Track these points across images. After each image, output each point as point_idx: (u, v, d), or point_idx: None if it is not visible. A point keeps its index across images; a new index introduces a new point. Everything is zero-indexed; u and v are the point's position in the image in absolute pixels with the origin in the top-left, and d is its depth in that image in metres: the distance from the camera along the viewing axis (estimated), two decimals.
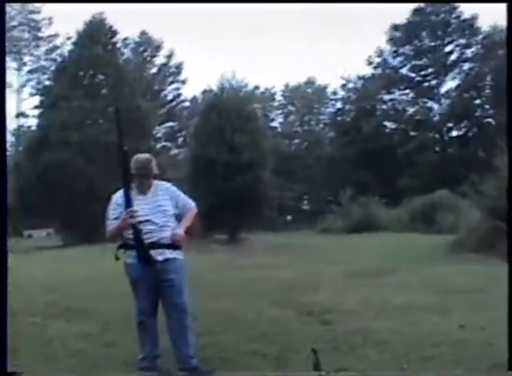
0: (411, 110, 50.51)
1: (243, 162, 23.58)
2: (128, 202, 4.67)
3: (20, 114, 56.10)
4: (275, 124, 60.24)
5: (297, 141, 59.58)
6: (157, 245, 4.72)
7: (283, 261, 16.19)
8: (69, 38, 43.40)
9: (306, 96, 60.07)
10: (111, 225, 4.87)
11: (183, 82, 58.98)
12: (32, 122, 50.38)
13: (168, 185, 5.08)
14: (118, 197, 4.89)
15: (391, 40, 50.48)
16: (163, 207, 4.85)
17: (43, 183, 28.79)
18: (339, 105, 57.63)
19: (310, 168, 52.48)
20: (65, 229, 32.98)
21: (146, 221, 4.72)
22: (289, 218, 52.34)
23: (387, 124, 52.26)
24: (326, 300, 8.75)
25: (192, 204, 5.05)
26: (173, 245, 4.80)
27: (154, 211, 4.78)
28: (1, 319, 3.20)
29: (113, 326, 6.82)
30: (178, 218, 4.97)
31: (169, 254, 4.77)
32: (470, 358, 4.34)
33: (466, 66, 48.19)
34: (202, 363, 4.92)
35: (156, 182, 5.04)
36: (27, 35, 55.82)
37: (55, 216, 32.92)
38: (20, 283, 10.85)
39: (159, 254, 4.72)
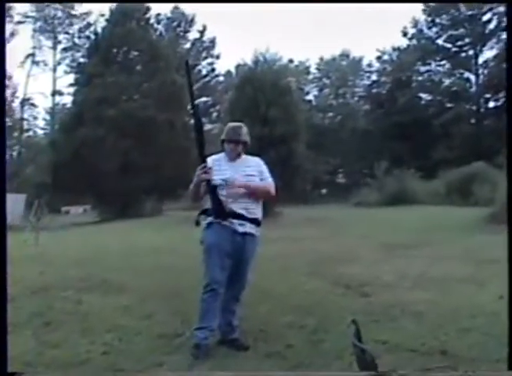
0: (447, 82, 49.88)
1: (276, 135, 23.59)
2: (202, 157, 4.62)
3: (56, 92, 56.62)
4: (309, 97, 59.87)
5: (331, 114, 59.20)
6: (241, 216, 4.72)
7: (318, 234, 16.21)
8: (102, 15, 43.65)
9: (341, 69, 59.52)
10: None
11: (217, 57, 59.01)
12: (67, 100, 51.01)
13: (258, 159, 5.06)
14: (209, 160, 4.81)
15: (426, 10, 49.59)
16: (250, 176, 4.83)
17: (78, 160, 29.14)
18: (374, 77, 57.18)
19: (344, 141, 52.20)
20: (100, 204, 33.43)
21: (228, 186, 4.70)
22: (323, 191, 52.26)
23: (423, 95, 51.65)
24: (362, 272, 8.76)
25: (271, 181, 4.97)
26: (254, 220, 4.81)
27: (242, 178, 4.76)
28: (1, 319, 3.24)
29: (149, 299, 6.90)
30: None
31: (249, 228, 4.77)
32: (505, 331, 4.30)
33: (504, 35, 47.13)
34: (241, 334, 4.98)
35: (246, 156, 5.03)
36: (60, 13, 56.12)
37: (91, 192, 33.37)
38: (54, 259, 11.11)
39: (240, 225, 4.72)
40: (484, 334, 5.04)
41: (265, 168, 5.00)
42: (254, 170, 4.89)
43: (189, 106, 44.40)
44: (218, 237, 4.69)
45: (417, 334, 5.11)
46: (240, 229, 4.72)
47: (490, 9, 47.04)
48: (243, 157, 4.99)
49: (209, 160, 4.83)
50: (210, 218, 4.76)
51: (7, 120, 55.83)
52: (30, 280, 8.17)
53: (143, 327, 5.54)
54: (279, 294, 7.11)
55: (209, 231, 4.77)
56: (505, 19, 43.71)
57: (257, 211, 4.86)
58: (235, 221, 4.69)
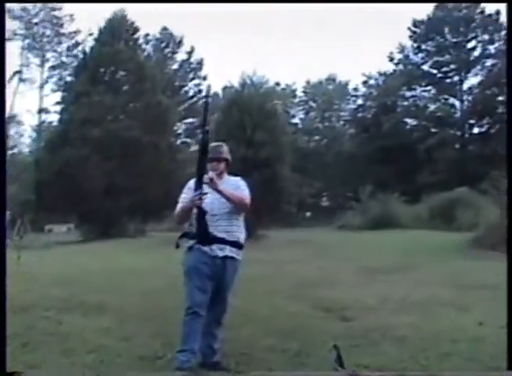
0: (432, 107, 50.34)
1: (261, 158, 23.67)
2: (200, 183, 4.60)
3: (42, 110, 56.52)
4: (295, 120, 60.24)
5: (317, 137, 59.50)
6: (221, 240, 4.72)
7: (301, 256, 16.23)
8: (90, 34, 43.82)
9: (327, 93, 59.98)
10: (179, 207, 4.84)
11: (204, 78, 59.03)
12: (54, 118, 50.87)
13: (238, 178, 5.06)
14: (192, 182, 4.82)
15: (413, 36, 50.19)
16: None
17: (63, 179, 29.01)
18: (360, 101, 57.72)
19: (329, 165, 52.44)
20: (84, 224, 33.27)
21: (212, 208, 4.70)
22: (308, 214, 52.33)
23: (408, 120, 52.16)
24: (344, 296, 8.76)
25: (246, 194, 4.92)
26: (235, 243, 4.81)
27: (221, 200, 4.73)
28: (1, 319, 3.22)
29: (130, 320, 6.86)
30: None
31: (230, 252, 4.77)
32: (488, 356, 4.32)
33: (488, 62, 47.80)
34: (223, 358, 4.97)
35: (229, 176, 5.04)
36: (49, 32, 56.22)
37: (74, 211, 33.21)
38: (35, 278, 11.03)
39: (219, 250, 4.72)
40: (467, 359, 5.05)
41: (242, 184, 4.98)
42: (232, 188, 4.86)
43: (175, 127, 44.60)
44: (199, 261, 4.69)
45: (398, 358, 5.13)
46: (220, 254, 4.72)
47: (475, 37, 47.79)
48: (226, 177, 4.99)
49: (191, 182, 4.85)
50: (191, 242, 4.76)
51: None
52: (11, 299, 8.09)
53: (124, 348, 5.51)
54: (261, 317, 7.10)
55: (190, 254, 4.77)
56: (490, 46, 44.51)
57: (238, 233, 4.86)
58: (215, 246, 4.69)
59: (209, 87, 4.64)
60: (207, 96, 4.97)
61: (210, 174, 4.68)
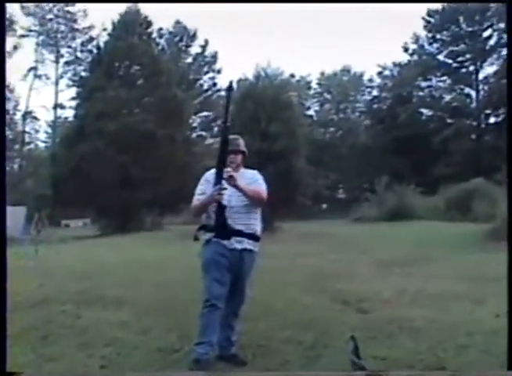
0: (448, 97, 50.01)
1: (276, 150, 23.62)
2: (220, 178, 4.59)
3: (57, 106, 56.76)
4: (310, 112, 60.09)
5: (332, 129, 59.34)
6: (239, 233, 4.73)
7: (317, 249, 16.19)
8: (104, 29, 43.91)
9: (342, 84, 59.77)
10: (197, 200, 4.84)
11: (218, 72, 59.09)
12: (69, 113, 51.09)
13: (255, 172, 5.08)
14: (209, 174, 4.87)
15: (428, 26, 49.81)
16: None
17: (79, 173, 29.14)
18: (375, 92, 57.46)
19: (345, 157, 52.30)
20: (100, 218, 33.42)
21: (228, 200, 4.69)
22: (324, 206, 52.22)
23: (424, 111, 51.82)
24: (360, 288, 8.75)
25: (263, 188, 4.94)
26: (252, 236, 4.82)
27: (239, 192, 4.73)
28: (1, 319, 3.24)
29: (147, 313, 6.90)
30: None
31: (247, 244, 4.78)
32: (505, 348, 4.30)
33: (504, 51, 47.25)
34: (240, 350, 4.98)
35: (245, 169, 5.05)
36: (63, 27, 56.38)
37: (91, 206, 33.37)
38: (53, 272, 11.11)
39: (238, 243, 4.74)
40: (483, 351, 5.03)
41: (259, 177, 5.00)
42: (250, 183, 4.87)
43: (190, 121, 44.67)
44: (217, 253, 4.70)
45: (415, 350, 5.11)
46: (238, 247, 4.73)
47: (491, 26, 47.28)
48: (242, 170, 5.00)
49: (208, 173, 4.88)
50: (209, 235, 4.77)
51: (8, 133, 56.03)
52: (29, 293, 8.17)
53: (141, 341, 5.53)
54: (278, 309, 7.11)
55: (207, 247, 4.78)
56: (505, 35, 44.06)
57: (255, 226, 4.86)
58: (233, 239, 4.70)
59: (231, 84, 4.57)
60: (228, 94, 4.94)
61: (229, 170, 4.67)
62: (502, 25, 46.66)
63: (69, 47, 57.52)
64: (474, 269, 10.55)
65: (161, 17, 58.51)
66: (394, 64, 54.46)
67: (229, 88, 4.94)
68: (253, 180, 4.93)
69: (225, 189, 4.58)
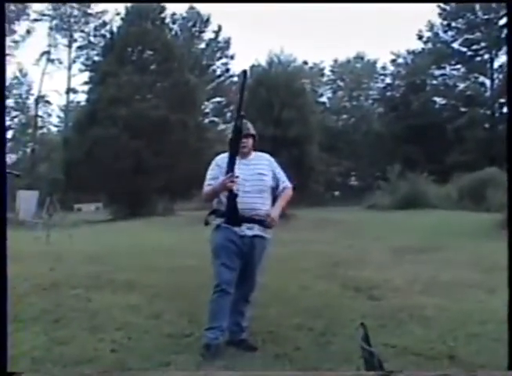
0: (462, 86, 49.72)
1: (290, 137, 23.60)
2: (232, 166, 4.59)
3: (70, 90, 56.90)
4: (323, 99, 59.89)
5: (345, 116, 59.17)
6: (250, 219, 4.71)
7: (329, 236, 16.20)
8: (118, 14, 43.82)
9: (355, 71, 59.53)
10: (208, 185, 4.84)
11: (231, 57, 58.98)
12: (81, 98, 51.25)
13: (268, 156, 5.06)
14: (219, 158, 4.87)
15: (442, 13, 49.38)
16: (261, 175, 4.83)
17: (91, 158, 29.22)
18: (388, 80, 57.11)
19: (358, 144, 52.19)
20: (112, 203, 33.54)
21: (243, 184, 4.69)
22: (336, 193, 52.20)
23: (437, 99, 51.56)
24: (372, 276, 8.75)
25: (288, 183, 5.00)
26: (265, 222, 4.78)
27: (254, 177, 4.76)
28: (1, 318, 3.24)
29: (158, 298, 6.93)
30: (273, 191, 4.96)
31: (258, 230, 4.77)
32: None
33: None
34: (250, 336, 4.99)
35: (257, 152, 5.04)
36: (76, 12, 56.36)
37: (103, 190, 33.48)
38: (65, 256, 11.17)
39: (248, 229, 4.72)
40: (495, 340, 4.98)
41: (278, 168, 5.00)
42: (265, 169, 4.88)
43: (202, 107, 44.62)
44: (227, 239, 4.70)
45: (426, 338, 5.10)
46: (249, 233, 4.72)
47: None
48: (254, 154, 4.98)
49: (218, 158, 4.89)
50: (219, 220, 4.76)
51: (22, 117, 56.19)
52: (41, 277, 8.21)
53: (152, 325, 5.55)
54: (289, 295, 7.12)
55: (217, 232, 4.78)
56: None
57: (268, 211, 4.83)
58: (244, 225, 4.70)
59: (245, 72, 4.53)
60: (243, 83, 4.93)
61: (273, 215, 4.78)
62: None
63: (82, 31, 57.56)
64: (487, 258, 10.49)
65: (174, 3, 58.35)
66: (408, 52, 54.09)
67: (244, 78, 4.93)
68: (273, 171, 4.93)
69: (237, 177, 4.57)
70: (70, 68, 57.26)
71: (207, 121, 50.54)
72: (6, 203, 3.72)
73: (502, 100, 46.92)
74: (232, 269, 4.68)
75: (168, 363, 4.31)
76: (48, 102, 58.37)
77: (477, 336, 5.17)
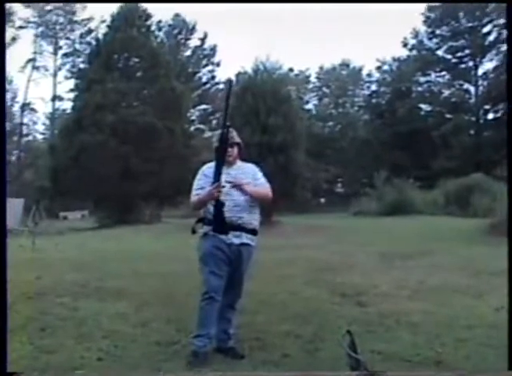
0: (447, 93, 50.01)
1: (276, 143, 23.63)
2: (218, 175, 4.61)
3: (56, 97, 56.69)
4: (309, 106, 60.10)
5: (331, 123, 59.34)
6: (237, 227, 4.73)
7: (316, 242, 16.19)
8: (103, 21, 43.76)
9: (341, 78, 59.74)
10: (195, 195, 4.84)
11: (217, 65, 58.99)
12: (67, 105, 51.04)
13: (252, 165, 5.08)
14: (206, 168, 4.89)
15: (427, 21, 49.73)
16: (248, 184, 4.82)
17: (77, 165, 29.07)
18: (374, 87, 57.40)
19: (344, 151, 52.34)
20: (99, 210, 33.37)
21: (227, 194, 4.70)
22: (322, 200, 52.27)
23: (423, 106, 51.83)
24: (360, 281, 8.76)
25: (267, 187, 4.97)
26: (250, 230, 4.81)
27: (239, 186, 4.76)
28: (1, 318, 3.22)
29: (145, 306, 6.89)
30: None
31: (245, 239, 4.78)
32: (505, 342, 4.29)
33: (504, 47, 47.16)
34: (237, 343, 4.98)
35: (242, 162, 5.04)
36: (62, 19, 56.21)
37: (90, 198, 33.32)
38: (50, 264, 11.09)
39: (235, 237, 4.73)
40: (482, 344, 5.02)
41: (259, 173, 5.01)
42: (249, 177, 4.89)
43: (188, 114, 44.54)
44: (214, 247, 4.71)
45: (413, 344, 5.10)
46: (236, 241, 4.73)
47: (490, 21, 47.17)
48: (239, 163, 5.00)
49: (205, 168, 4.90)
50: (206, 228, 4.77)
51: (6, 124, 55.86)
52: (27, 285, 8.15)
53: (139, 333, 5.52)
54: (276, 302, 7.10)
55: (205, 240, 4.79)
56: (505, 31, 43.95)
57: (253, 220, 4.86)
58: (231, 233, 4.70)
59: (230, 82, 4.56)
60: (228, 92, 4.95)
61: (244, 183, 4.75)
62: (502, 21, 46.51)
63: (67, 39, 57.38)
64: (474, 263, 10.55)
65: (160, 10, 58.33)
66: (394, 59, 54.44)
67: (229, 87, 4.95)
68: (254, 178, 4.93)
69: (223, 186, 4.61)
70: (55, 75, 57.12)
71: (193, 128, 50.44)
72: (5, 212, 3.70)
73: (487, 107, 47.31)
74: (220, 277, 4.69)
75: (156, 371, 4.28)
76: (33, 109, 58.19)
77: (464, 341, 5.18)
